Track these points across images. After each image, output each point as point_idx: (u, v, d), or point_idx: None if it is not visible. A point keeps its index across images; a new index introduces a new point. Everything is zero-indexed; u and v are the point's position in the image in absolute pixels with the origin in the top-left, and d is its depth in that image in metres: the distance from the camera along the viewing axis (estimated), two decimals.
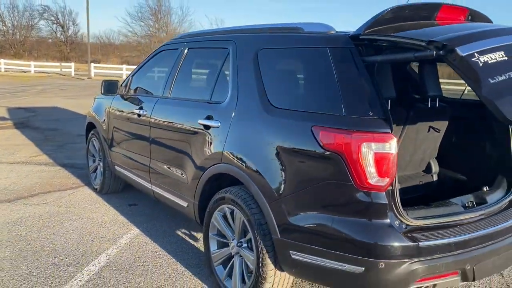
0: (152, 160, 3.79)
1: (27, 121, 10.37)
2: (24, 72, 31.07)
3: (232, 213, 2.86)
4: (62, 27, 56.79)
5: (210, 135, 3.02)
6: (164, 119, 3.58)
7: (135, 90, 4.37)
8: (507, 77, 1.93)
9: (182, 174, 3.36)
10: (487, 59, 1.94)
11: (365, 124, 2.16)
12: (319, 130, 2.28)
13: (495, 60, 1.96)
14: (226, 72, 3.17)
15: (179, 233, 4.05)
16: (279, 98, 2.65)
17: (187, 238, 3.94)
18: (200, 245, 3.79)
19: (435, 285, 2.30)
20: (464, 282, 2.36)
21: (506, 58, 1.99)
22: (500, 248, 2.44)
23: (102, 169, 4.96)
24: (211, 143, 3.00)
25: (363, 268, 2.16)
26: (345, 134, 2.17)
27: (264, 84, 2.74)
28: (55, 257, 3.46)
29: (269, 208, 2.50)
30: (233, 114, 2.86)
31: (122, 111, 4.36)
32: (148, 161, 3.85)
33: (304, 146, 2.37)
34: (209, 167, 3.00)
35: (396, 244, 2.13)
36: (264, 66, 2.82)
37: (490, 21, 2.84)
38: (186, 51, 3.69)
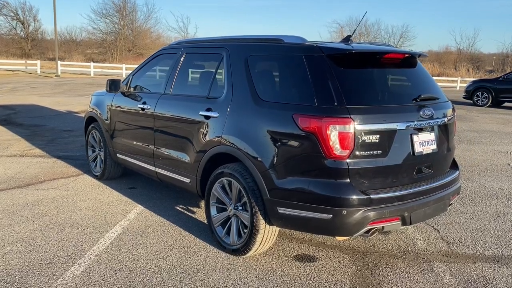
0: (156, 146, 4.54)
1: (9, 118, 10.76)
2: None
3: (229, 184, 3.66)
4: (23, 23, 55.51)
5: (210, 123, 3.80)
6: (168, 112, 4.34)
7: (136, 88, 5.09)
8: None
9: (184, 156, 4.13)
10: None
11: (332, 112, 3.01)
12: (298, 117, 3.11)
13: None
14: (221, 73, 3.96)
15: (178, 208, 4.81)
16: (265, 93, 3.48)
17: (185, 211, 4.71)
18: (197, 216, 4.57)
19: (383, 227, 3.19)
20: (404, 226, 3.26)
21: None
22: (429, 201, 3.37)
23: (103, 158, 5.64)
24: (211, 130, 3.79)
25: (331, 215, 3.02)
26: (317, 119, 3.02)
27: (254, 82, 3.56)
28: (77, 228, 4.16)
29: (260, 177, 3.32)
30: (229, 107, 3.66)
31: (125, 106, 5.07)
32: (152, 147, 4.59)
33: (286, 129, 3.20)
34: (210, 149, 3.79)
35: (354, 196, 3.00)
36: (253, 68, 3.64)
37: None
38: (184, 55, 4.45)
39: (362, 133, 3.02)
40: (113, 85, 5.05)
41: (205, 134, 3.85)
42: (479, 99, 18.47)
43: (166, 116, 4.36)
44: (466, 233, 4.33)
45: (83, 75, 30.45)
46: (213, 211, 3.86)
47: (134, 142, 4.92)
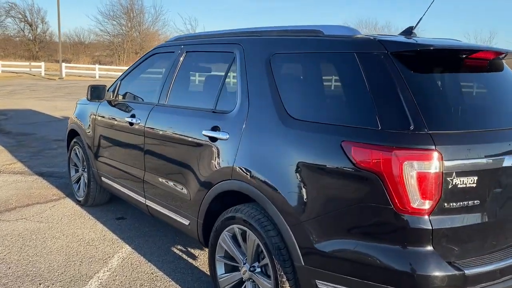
0: (147, 172, 3.48)
1: None
2: None
3: (243, 234, 2.60)
4: (30, 26, 55.10)
5: (217, 148, 2.74)
6: (161, 128, 3.28)
7: (125, 95, 4.05)
8: None
9: (183, 189, 3.08)
10: None
11: (407, 140, 1.93)
12: (351, 146, 2.04)
13: None
14: (233, 79, 2.91)
15: (175, 250, 3.75)
16: (298, 108, 2.40)
17: (184, 256, 3.65)
18: (199, 264, 3.51)
19: None
20: None
21: None
22: None
23: (86, 180, 4.60)
24: (219, 157, 2.73)
25: None
26: (383, 151, 1.94)
27: (280, 92, 2.49)
28: (40, 284, 3.11)
29: (290, 231, 2.25)
30: (244, 125, 2.60)
31: (110, 119, 4.03)
32: (142, 173, 3.54)
33: (332, 163, 2.13)
34: (217, 183, 2.73)
35: (440, 273, 1.91)
36: (279, 72, 2.57)
37: None
38: (183, 54, 3.40)
39: (454, 174, 1.94)
40: (96, 92, 4.01)
41: (210, 163, 2.79)
42: None
43: (159, 134, 3.30)
44: None
45: (87, 78, 29.53)
46: (220, 269, 2.79)
47: (121, 165, 3.88)
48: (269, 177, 2.38)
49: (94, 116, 4.30)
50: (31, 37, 54.90)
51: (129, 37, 50.42)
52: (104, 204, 4.76)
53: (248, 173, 2.50)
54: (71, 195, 5.00)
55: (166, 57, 3.61)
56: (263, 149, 2.47)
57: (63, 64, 29.11)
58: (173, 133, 3.15)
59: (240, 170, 2.55)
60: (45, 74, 29.90)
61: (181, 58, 3.40)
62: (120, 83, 4.12)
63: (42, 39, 55.88)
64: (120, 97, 4.09)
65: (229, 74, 2.97)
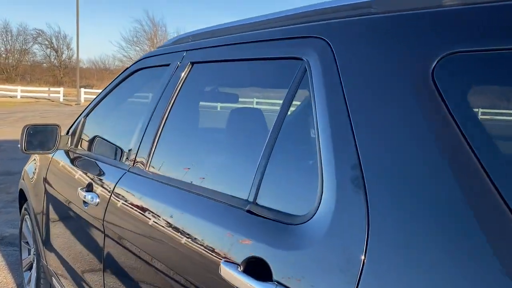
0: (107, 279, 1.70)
1: None
2: (11, 97, 29.09)
3: None
4: (56, 52, 55.59)
5: None
6: (134, 230, 1.51)
7: (88, 143, 2.33)
8: None
9: None
10: None
11: None
12: None
13: None
14: (299, 121, 1.14)
15: None
16: None
17: None
18: None
19: None
20: None
21: None
22: None
23: (36, 273, 2.86)
24: None
25: None
26: None
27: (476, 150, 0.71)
28: None
29: None
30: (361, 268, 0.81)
31: (63, 184, 2.30)
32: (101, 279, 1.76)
33: None
34: None
35: None
36: (460, 101, 0.80)
37: None
38: (186, 68, 1.66)
39: None
40: (39, 138, 2.29)
41: None
42: None
43: (129, 241, 1.53)
44: None
45: None
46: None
47: (75, 262, 2.12)
48: None
49: (45, 175, 2.59)
50: (56, 63, 55.17)
51: None
52: None
53: None
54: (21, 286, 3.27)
55: (155, 75, 1.87)
56: None
57: (82, 90, 28.11)
58: (168, 241, 1.37)
59: None
60: (63, 99, 28.99)
61: (182, 76, 1.65)
62: (83, 121, 2.41)
63: (67, 64, 55.97)
64: (85, 144, 2.37)
65: (290, 109, 1.18)
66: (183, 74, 1.65)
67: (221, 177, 1.35)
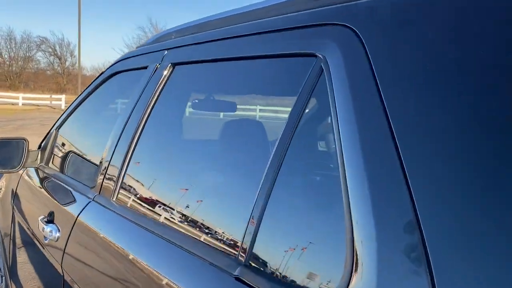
0: None
1: None
2: (12, 104, 28.91)
3: None
4: (60, 59, 55.55)
5: None
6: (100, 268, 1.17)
7: (61, 160, 1.99)
8: None
9: None
10: None
11: None
12: None
13: None
14: (327, 138, 0.82)
15: None
16: None
17: None
18: None
19: None
20: None
21: None
22: None
23: None
24: None
25: None
26: None
27: None
28: None
29: None
30: None
31: (29, 207, 1.96)
32: None
33: None
34: None
35: None
36: None
37: None
38: (166, 70, 1.32)
39: None
40: (2, 154, 1.95)
41: None
42: None
43: (87, 285, 1.19)
44: None
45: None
46: None
47: None
48: None
49: (13, 193, 2.24)
50: (60, 71, 55.12)
51: None
52: None
53: None
54: None
55: (133, 81, 1.53)
56: None
57: None
58: None
59: None
60: (65, 106, 28.80)
61: (161, 80, 1.31)
62: (55, 134, 2.07)
63: (70, 72, 55.87)
64: (56, 161, 2.03)
65: (297, 127, 0.83)
66: (162, 78, 1.31)
67: (205, 221, 0.99)
